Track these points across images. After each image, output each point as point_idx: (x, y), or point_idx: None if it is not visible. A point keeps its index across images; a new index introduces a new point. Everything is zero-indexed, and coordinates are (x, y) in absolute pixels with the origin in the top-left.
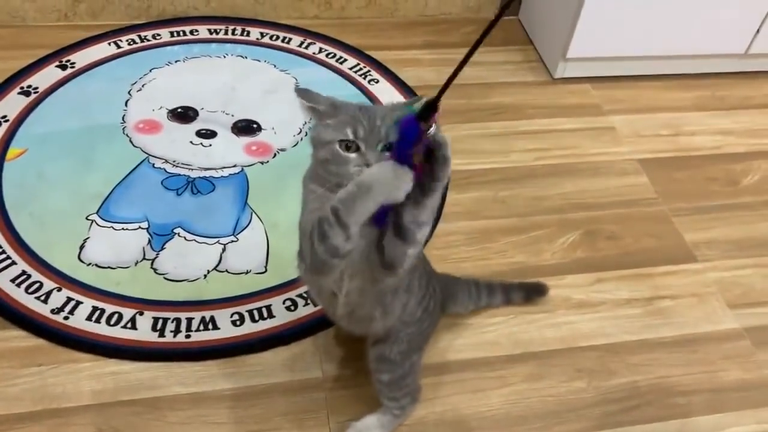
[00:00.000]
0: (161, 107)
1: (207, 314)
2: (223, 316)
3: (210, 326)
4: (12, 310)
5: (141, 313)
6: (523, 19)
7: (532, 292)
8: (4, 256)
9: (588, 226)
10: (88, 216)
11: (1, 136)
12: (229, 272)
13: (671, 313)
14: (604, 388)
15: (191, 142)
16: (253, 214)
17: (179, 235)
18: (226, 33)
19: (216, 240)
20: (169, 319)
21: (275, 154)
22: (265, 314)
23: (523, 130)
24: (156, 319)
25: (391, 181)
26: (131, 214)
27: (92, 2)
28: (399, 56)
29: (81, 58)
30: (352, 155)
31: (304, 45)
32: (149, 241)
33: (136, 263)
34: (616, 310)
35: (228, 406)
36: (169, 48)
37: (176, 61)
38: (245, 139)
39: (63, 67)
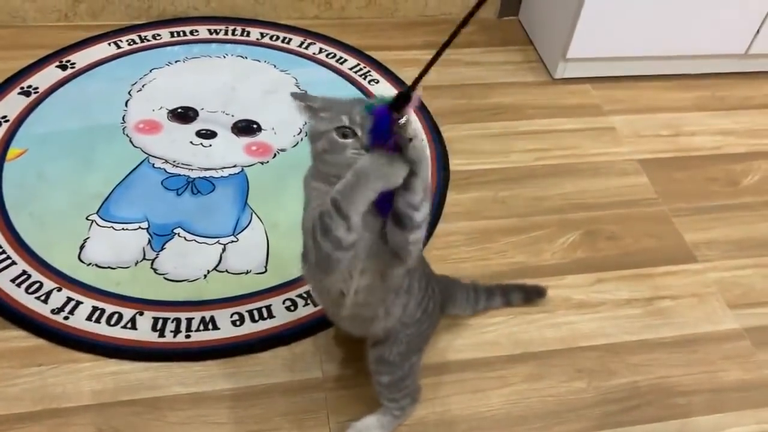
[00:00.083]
0: (161, 107)
1: (207, 314)
2: (223, 316)
3: (210, 326)
4: (12, 310)
5: (141, 313)
6: (523, 20)
7: (531, 294)
8: (4, 256)
9: (588, 227)
10: (88, 216)
11: (2, 136)
12: (229, 272)
13: (671, 314)
14: (604, 388)
15: (191, 142)
16: (253, 215)
17: (179, 235)
18: (226, 33)
19: (216, 240)
20: (169, 319)
21: (275, 155)
22: (265, 314)
23: (523, 130)
24: (156, 319)
25: (386, 167)
26: (131, 214)
27: (92, 2)
28: (399, 56)
29: (81, 58)
30: (349, 140)
31: (304, 45)
32: (149, 241)
33: (136, 263)
34: (616, 311)
35: (228, 406)
36: (169, 48)
37: (176, 62)
38: (245, 140)
39: (63, 68)
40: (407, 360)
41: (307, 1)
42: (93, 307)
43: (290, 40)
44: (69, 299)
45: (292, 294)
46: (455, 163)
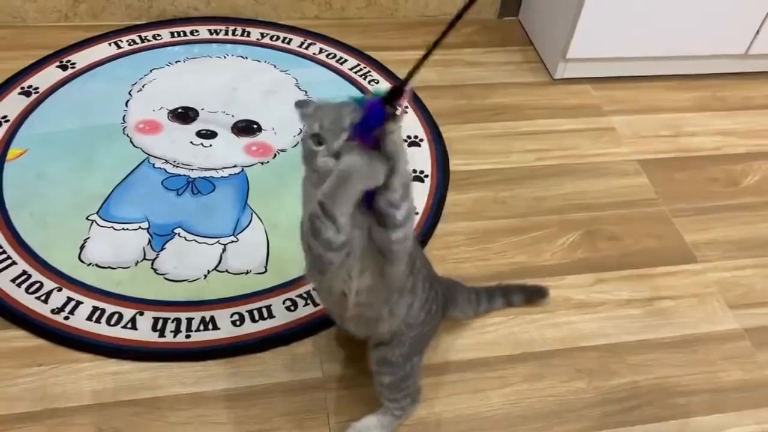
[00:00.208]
0: (161, 107)
1: (207, 314)
2: (223, 316)
3: (210, 326)
4: (12, 310)
5: (141, 313)
6: (523, 20)
7: (533, 295)
8: (4, 256)
9: (588, 227)
10: (88, 216)
11: (2, 136)
12: (229, 272)
13: (671, 314)
14: (604, 388)
15: (191, 142)
16: (253, 215)
17: (179, 236)
18: (226, 33)
19: (216, 240)
20: (169, 319)
21: (275, 155)
22: (265, 314)
23: (524, 130)
24: (156, 319)
25: (366, 166)
26: (131, 215)
27: (93, 3)
28: (399, 57)
29: (81, 58)
30: (320, 147)
31: (304, 45)
32: (149, 242)
33: (137, 263)
34: (616, 311)
35: (228, 406)
36: (169, 48)
37: (177, 62)
38: (245, 140)
39: (63, 68)
40: (409, 361)
41: (308, 1)
42: (93, 307)
43: (290, 40)
44: (69, 299)
45: (292, 294)
46: (455, 164)
